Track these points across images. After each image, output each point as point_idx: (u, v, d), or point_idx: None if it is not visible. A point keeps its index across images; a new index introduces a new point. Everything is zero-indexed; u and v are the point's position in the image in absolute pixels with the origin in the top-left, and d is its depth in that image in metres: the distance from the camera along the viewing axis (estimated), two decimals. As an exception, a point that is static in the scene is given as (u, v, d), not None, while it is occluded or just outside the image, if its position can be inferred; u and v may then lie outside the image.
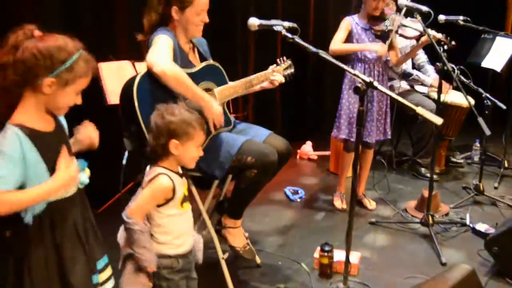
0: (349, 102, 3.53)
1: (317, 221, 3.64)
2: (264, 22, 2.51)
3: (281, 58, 3.05)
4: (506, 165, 4.64)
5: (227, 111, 2.75)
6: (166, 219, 2.02)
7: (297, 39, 2.36)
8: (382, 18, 3.49)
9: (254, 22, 2.51)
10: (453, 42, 3.32)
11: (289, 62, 3.07)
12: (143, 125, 2.30)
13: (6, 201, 1.56)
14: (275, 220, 3.63)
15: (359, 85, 2.14)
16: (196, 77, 2.51)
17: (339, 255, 2.86)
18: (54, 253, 1.72)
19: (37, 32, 1.64)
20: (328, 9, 5.60)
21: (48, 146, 1.67)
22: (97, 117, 2.06)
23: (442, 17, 4.04)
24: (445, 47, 3.30)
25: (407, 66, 4.46)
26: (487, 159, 4.94)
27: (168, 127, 1.97)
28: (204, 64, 2.68)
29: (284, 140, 2.83)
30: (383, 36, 3.52)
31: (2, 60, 1.60)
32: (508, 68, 4.67)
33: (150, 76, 2.35)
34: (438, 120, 2.06)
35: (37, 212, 1.68)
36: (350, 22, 3.54)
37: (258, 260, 2.95)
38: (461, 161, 4.91)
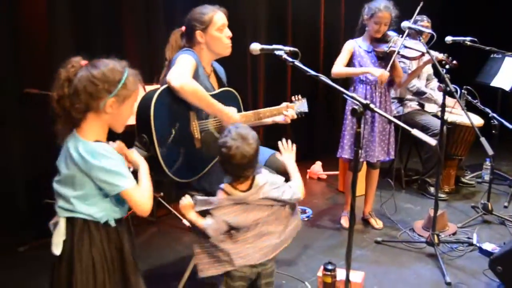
0: (352, 123, 3.59)
1: (323, 240, 3.67)
2: (265, 46, 2.59)
3: (295, 96, 3.16)
4: (516, 184, 4.64)
5: None
6: None
7: (297, 63, 2.41)
8: (384, 40, 3.55)
9: (255, 47, 2.60)
10: (454, 62, 3.38)
11: (303, 100, 3.16)
12: (155, 137, 2.39)
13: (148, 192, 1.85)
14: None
15: (356, 107, 2.19)
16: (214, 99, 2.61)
17: (342, 274, 2.88)
18: (119, 257, 1.90)
19: (83, 61, 1.82)
20: (339, 31, 5.71)
21: None
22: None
23: (449, 38, 4.10)
24: (447, 66, 3.37)
25: (420, 84, 4.50)
26: (499, 178, 4.96)
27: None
28: (223, 88, 2.83)
29: None
30: (385, 58, 3.57)
31: (59, 94, 1.77)
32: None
33: (170, 92, 2.46)
34: (432, 142, 2.09)
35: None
36: (353, 45, 3.61)
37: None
38: (472, 182, 4.91)
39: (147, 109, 2.39)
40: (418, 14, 4.39)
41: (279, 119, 3.04)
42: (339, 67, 3.57)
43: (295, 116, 3.07)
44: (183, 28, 2.80)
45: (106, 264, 1.86)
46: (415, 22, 4.38)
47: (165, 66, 2.76)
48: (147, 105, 2.40)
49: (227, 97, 2.79)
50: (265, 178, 2.23)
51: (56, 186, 1.86)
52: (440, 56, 3.39)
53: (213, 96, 2.66)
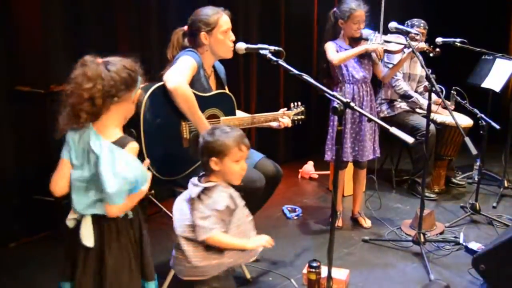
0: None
1: (311, 239, 3.70)
2: (251, 46, 2.64)
3: (295, 103, 3.19)
4: (506, 184, 4.66)
5: None
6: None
7: (281, 62, 2.47)
8: (361, 38, 3.60)
9: (241, 46, 2.65)
10: (437, 49, 3.46)
11: (302, 108, 3.20)
12: (142, 133, 2.43)
13: (126, 205, 1.92)
14: (270, 237, 3.68)
15: (337, 105, 2.23)
16: (207, 102, 2.67)
17: (327, 271, 2.91)
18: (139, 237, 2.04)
19: (99, 59, 1.88)
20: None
21: None
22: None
23: (439, 39, 4.16)
24: (431, 55, 3.47)
25: (407, 88, 4.53)
26: (489, 178, 4.99)
27: (206, 146, 2.14)
28: (218, 91, 2.85)
29: (275, 164, 2.96)
30: (367, 55, 3.63)
31: (91, 93, 1.81)
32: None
33: (164, 90, 2.51)
34: (409, 140, 2.14)
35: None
36: (334, 45, 3.61)
37: (248, 275, 3.02)
38: (462, 182, 4.94)
39: (139, 104, 2.42)
40: (417, 18, 4.51)
41: (273, 124, 3.07)
42: (336, 55, 3.52)
43: (290, 125, 3.08)
44: (186, 27, 2.83)
45: (132, 248, 1.98)
46: (412, 26, 4.45)
47: (167, 64, 2.78)
48: (140, 99, 2.44)
49: (221, 100, 2.84)
50: None
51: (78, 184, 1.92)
52: (423, 45, 3.48)
53: (208, 98, 2.70)
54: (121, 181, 1.83)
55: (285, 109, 3.11)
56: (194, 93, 2.56)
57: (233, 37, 2.80)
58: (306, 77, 2.39)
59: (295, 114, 3.16)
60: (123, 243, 1.95)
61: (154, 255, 3.27)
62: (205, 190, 2.14)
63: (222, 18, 2.76)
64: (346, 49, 3.62)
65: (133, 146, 1.90)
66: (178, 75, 2.53)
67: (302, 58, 5.48)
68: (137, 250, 2.02)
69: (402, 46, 3.50)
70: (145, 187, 1.99)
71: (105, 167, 1.81)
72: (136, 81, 1.91)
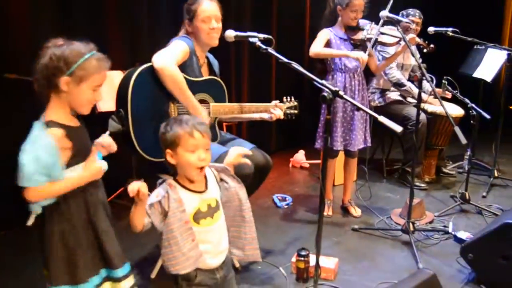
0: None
1: (301, 228, 3.71)
2: (240, 33, 2.62)
3: (288, 97, 3.18)
4: (495, 174, 4.68)
5: (216, 126, 2.88)
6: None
7: (271, 50, 2.44)
8: (358, 28, 3.58)
9: (230, 34, 2.62)
10: (431, 45, 3.44)
11: (295, 103, 3.20)
12: (129, 112, 2.44)
13: (48, 192, 1.86)
14: (260, 226, 3.65)
15: (326, 94, 2.21)
16: (198, 86, 2.67)
17: (315, 259, 2.92)
18: (91, 228, 2.01)
19: (60, 41, 1.89)
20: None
21: (77, 138, 1.93)
22: (89, 124, 2.15)
23: (431, 29, 4.15)
24: (425, 50, 3.46)
25: (400, 76, 4.52)
26: (479, 168, 5.02)
27: (160, 138, 2.01)
28: (209, 77, 2.85)
29: (265, 155, 2.96)
30: (361, 45, 3.61)
31: (35, 71, 1.85)
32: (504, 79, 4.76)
33: (153, 71, 2.51)
34: (398, 129, 2.13)
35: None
36: (329, 34, 3.61)
37: (237, 263, 3.03)
38: (453, 172, 4.96)
39: (127, 83, 2.45)
40: (412, 8, 4.50)
41: (265, 116, 3.06)
42: (318, 48, 3.54)
43: (282, 117, 3.08)
44: None
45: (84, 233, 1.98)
46: (407, 15, 4.44)
47: None
48: (128, 79, 2.46)
49: (211, 86, 2.83)
50: None
51: None
52: (418, 40, 3.46)
53: (198, 82, 2.70)
54: (34, 160, 1.78)
55: (277, 101, 3.11)
56: (184, 77, 2.57)
57: (213, 25, 2.79)
58: (295, 65, 2.37)
59: (288, 108, 3.16)
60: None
61: (143, 243, 3.31)
62: (159, 184, 2.04)
63: (201, 7, 2.76)
64: (341, 37, 3.61)
65: (55, 130, 1.84)
66: (167, 56, 2.55)
67: (294, 48, 5.45)
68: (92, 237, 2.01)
69: (397, 39, 3.49)
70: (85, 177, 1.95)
71: (25, 144, 1.80)
72: (61, 68, 1.84)
